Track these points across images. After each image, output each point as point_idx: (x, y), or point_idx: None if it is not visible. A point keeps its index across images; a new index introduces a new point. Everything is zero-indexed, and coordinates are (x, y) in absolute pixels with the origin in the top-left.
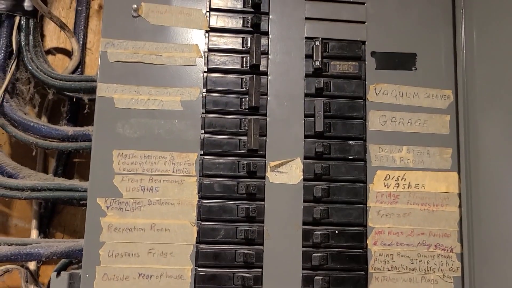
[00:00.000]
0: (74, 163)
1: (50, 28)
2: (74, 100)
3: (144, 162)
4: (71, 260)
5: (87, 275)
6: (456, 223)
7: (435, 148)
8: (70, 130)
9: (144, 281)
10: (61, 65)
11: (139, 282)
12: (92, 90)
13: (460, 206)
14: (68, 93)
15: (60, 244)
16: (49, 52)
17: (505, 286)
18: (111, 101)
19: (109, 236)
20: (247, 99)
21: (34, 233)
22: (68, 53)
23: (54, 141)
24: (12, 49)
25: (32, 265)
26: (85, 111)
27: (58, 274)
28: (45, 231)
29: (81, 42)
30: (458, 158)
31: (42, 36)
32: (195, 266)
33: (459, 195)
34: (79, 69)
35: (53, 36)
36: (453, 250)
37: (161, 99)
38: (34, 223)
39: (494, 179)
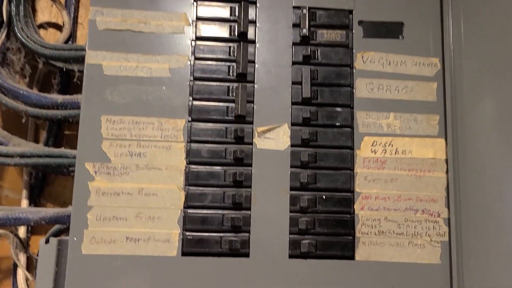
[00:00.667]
0: (64, 135)
1: (42, 4)
2: (64, 70)
3: (132, 128)
4: (61, 229)
5: (75, 238)
6: (443, 189)
7: (422, 115)
8: (59, 97)
9: (131, 244)
10: (52, 39)
11: (127, 246)
12: (82, 59)
13: (447, 172)
14: (58, 64)
15: (49, 210)
16: (41, 26)
17: (491, 249)
18: (100, 68)
19: (97, 200)
20: (234, 66)
21: (24, 203)
22: (59, 28)
23: (43, 110)
24: (3, 19)
25: (21, 233)
26: (75, 80)
27: (48, 242)
28: (35, 202)
29: (72, 15)
30: (445, 124)
31: (34, 11)
32: (183, 230)
33: (446, 161)
34: (70, 42)
35: (45, 11)
36: (440, 215)
37: (150, 66)
38: (24, 193)
39: (480, 145)
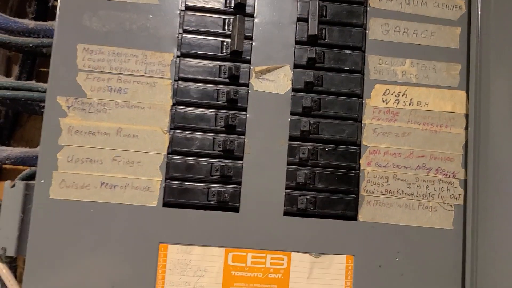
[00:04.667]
0: (39, 72)
1: None
2: None
3: (113, 60)
4: (32, 174)
5: (42, 181)
6: (461, 147)
7: (442, 63)
8: (31, 23)
9: (106, 190)
10: None
11: (101, 192)
12: None
13: (466, 128)
14: None
15: (15, 149)
16: None
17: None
18: None
19: (69, 139)
20: None
21: None
22: None
23: (12, 36)
24: None
25: None
26: (49, 4)
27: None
28: (4, 145)
29: None
30: (467, 75)
31: None
32: (165, 178)
33: (466, 115)
34: None
35: None
36: (456, 176)
37: None
38: None
39: (506, 100)
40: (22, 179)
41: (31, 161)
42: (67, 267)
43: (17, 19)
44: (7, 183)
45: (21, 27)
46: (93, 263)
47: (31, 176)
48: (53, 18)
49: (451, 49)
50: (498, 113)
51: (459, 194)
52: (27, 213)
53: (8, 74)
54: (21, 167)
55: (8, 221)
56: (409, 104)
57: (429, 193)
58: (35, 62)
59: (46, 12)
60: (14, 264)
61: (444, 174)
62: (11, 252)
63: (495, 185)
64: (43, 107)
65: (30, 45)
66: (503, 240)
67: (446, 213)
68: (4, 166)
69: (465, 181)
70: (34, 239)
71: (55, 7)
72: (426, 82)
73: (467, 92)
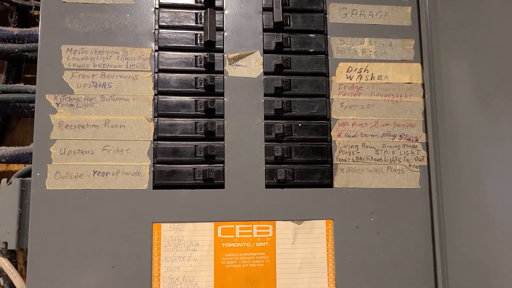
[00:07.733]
0: (25, 78)
1: None
2: (20, 3)
3: (96, 58)
4: (28, 171)
5: (38, 174)
6: (421, 113)
7: (397, 40)
8: (15, 30)
9: (99, 178)
10: None
11: (94, 180)
12: None
13: (424, 96)
14: None
15: (9, 148)
16: None
17: (469, 171)
18: None
19: (60, 133)
20: None
21: None
22: None
23: None
24: None
25: None
26: (31, 12)
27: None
28: None
29: None
30: (420, 49)
31: None
32: (153, 162)
33: (423, 85)
34: None
35: None
36: (418, 140)
37: None
38: None
39: (456, 67)
40: (18, 177)
41: (25, 158)
42: (67, 252)
43: (2, 27)
44: (4, 181)
45: (6, 34)
46: (92, 247)
47: (26, 174)
48: (34, 25)
49: (404, 26)
50: (450, 80)
51: (423, 156)
52: (24, 208)
53: None
54: (15, 168)
55: (7, 217)
56: (371, 79)
57: (396, 157)
58: (21, 68)
59: (27, 20)
60: (14, 261)
61: (407, 139)
62: (12, 246)
63: (453, 145)
64: (32, 108)
65: (16, 50)
66: (465, 191)
67: (413, 174)
68: None
69: (427, 144)
70: (35, 229)
71: (36, 15)
72: (384, 57)
73: (422, 64)
